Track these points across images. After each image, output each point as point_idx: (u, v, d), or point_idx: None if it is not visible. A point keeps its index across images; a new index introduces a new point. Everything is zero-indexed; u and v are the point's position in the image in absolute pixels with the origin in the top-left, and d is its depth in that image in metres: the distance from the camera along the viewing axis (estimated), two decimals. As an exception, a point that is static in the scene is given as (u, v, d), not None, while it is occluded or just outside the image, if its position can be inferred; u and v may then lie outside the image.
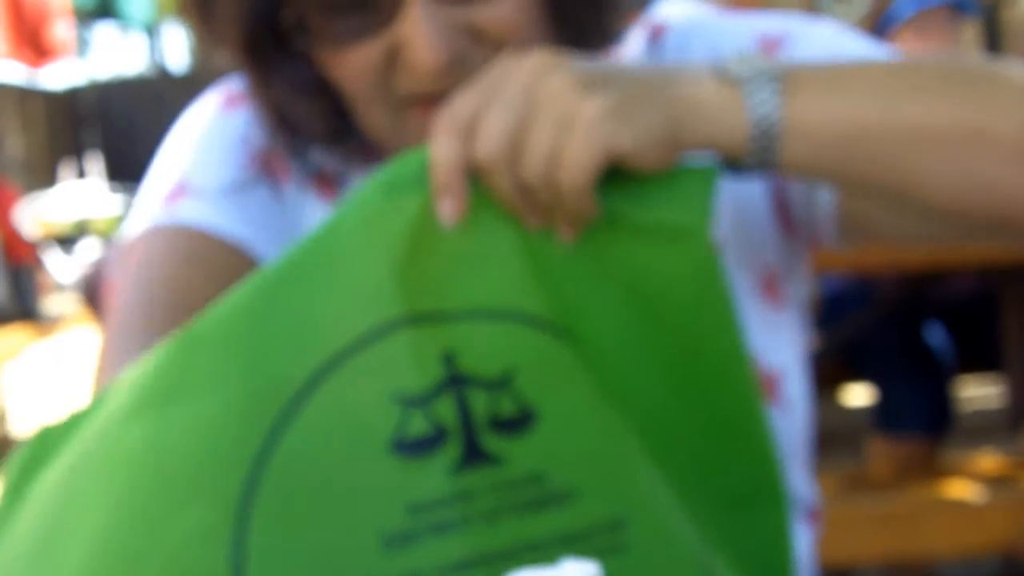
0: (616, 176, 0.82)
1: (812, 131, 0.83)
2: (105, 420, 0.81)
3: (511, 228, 0.83)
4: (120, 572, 0.78)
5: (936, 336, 2.95)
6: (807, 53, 0.98)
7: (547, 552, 0.81)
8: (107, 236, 8.06)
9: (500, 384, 0.83)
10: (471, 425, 0.82)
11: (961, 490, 2.73)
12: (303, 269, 0.82)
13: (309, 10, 0.92)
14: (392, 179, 0.82)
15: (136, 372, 0.81)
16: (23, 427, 5.00)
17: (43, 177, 10.59)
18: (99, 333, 1.03)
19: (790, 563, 0.90)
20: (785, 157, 0.83)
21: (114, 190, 9.47)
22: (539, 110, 0.80)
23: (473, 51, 0.91)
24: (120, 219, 8.21)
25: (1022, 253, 2.43)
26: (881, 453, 2.95)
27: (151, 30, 12.97)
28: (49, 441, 0.83)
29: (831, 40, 1.00)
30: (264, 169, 1.04)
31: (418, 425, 0.81)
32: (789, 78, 0.83)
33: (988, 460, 2.98)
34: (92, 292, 4.21)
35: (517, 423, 0.83)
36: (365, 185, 0.83)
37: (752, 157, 0.83)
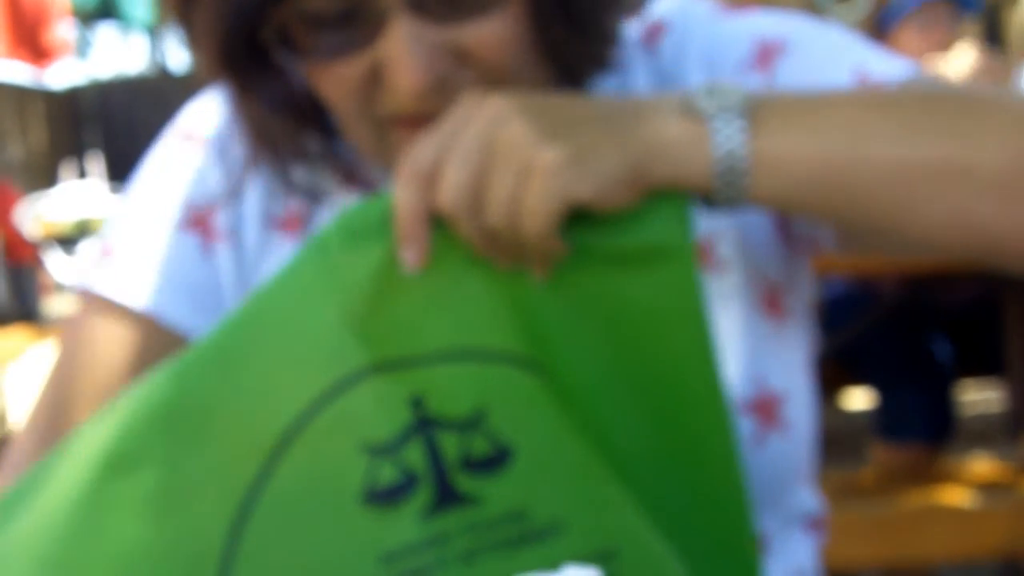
0: (585, 210, 0.82)
1: (781, 169, 0.82)
2: (64, 485, 0.81)
3: (480, 267, 0.83)
4: None
5: (937, 341, 2.95)
6: (804, 63, 0.97)
7: None
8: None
9: (471, 424, 0.82)
10: (442, 467, 0.81)
11: (961, 496, 2.73)
12: (261, 324, 0.81)
13: (292, 23, 0.90)
14: (354, 226, 0.82)
15: (87, 447, 0.81)
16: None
17: (44, 177, 10.60)
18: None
19: None
20: (754, 194, 0.82)
21: (115, 190, 9.48)
22: (497, 159, 0.79)
23: (457, 72, 0.90)
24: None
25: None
26: (881, 458, 2.95)
27: (152, 30, 12.99)
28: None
29: (832, 48, 0.98)
30: (196, 228, 1.03)
31: (388, 473, 0.81)
32: (758, 114, 0.82)
33: (988, 465, 2.98)
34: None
35: (492, 462, 0.82)
36: (325, 231, 0.82)
37: (720, 194, 0.82)
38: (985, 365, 3.06)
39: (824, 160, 0.82)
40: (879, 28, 3.11)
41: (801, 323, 1.03)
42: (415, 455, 0.81)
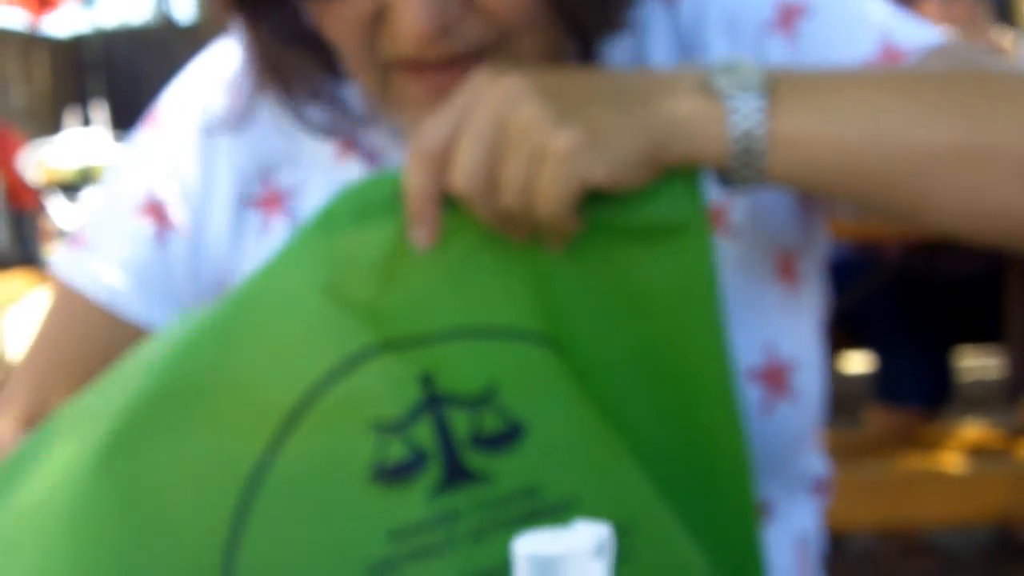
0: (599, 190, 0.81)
1: (799, 150, 0.81)
2: (64, 464, 0.80)
3: (491, 244, 0.82)
4: None
5: (938, 307, 2.95)
6: (828, 27, 0.95)
7: None
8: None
9: (482, 401, 0.81)
10: (451, 445, 0.81)
11: (956, 461, 2.74)
12: (265, 301, 0.81)
13: None
14: (361, 203, 0.81)
15: (97, 418, 0.81)
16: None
17: (47, 124, 10.58)
18: None
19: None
20: (771, 174, 0.81)
21: (118, 138, 9.46)
22: (511, 142, 0.79)
23: (464, 20, 0.87)
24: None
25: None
26: (878, 421, 2.96)
27: (158, -21, 12.92)
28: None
29: (857, 13, 0.95)
30: (151, 216, 1.03)
31: (396, 451, 0.80)
32: (777, 93, 0.81)
33: (984, 432, 2.99)
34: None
35: (504, 438, 0.81)
36: (331, 207, 0.81)
37: (736, 173, 0.81)
38: (984, 332, 3.06)
39: (843, 142, 0.81)
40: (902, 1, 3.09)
41: (814, 288, 1.03)
42: (424, 433, 0.81)
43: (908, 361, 2.94)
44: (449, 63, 0.87)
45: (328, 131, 1.00)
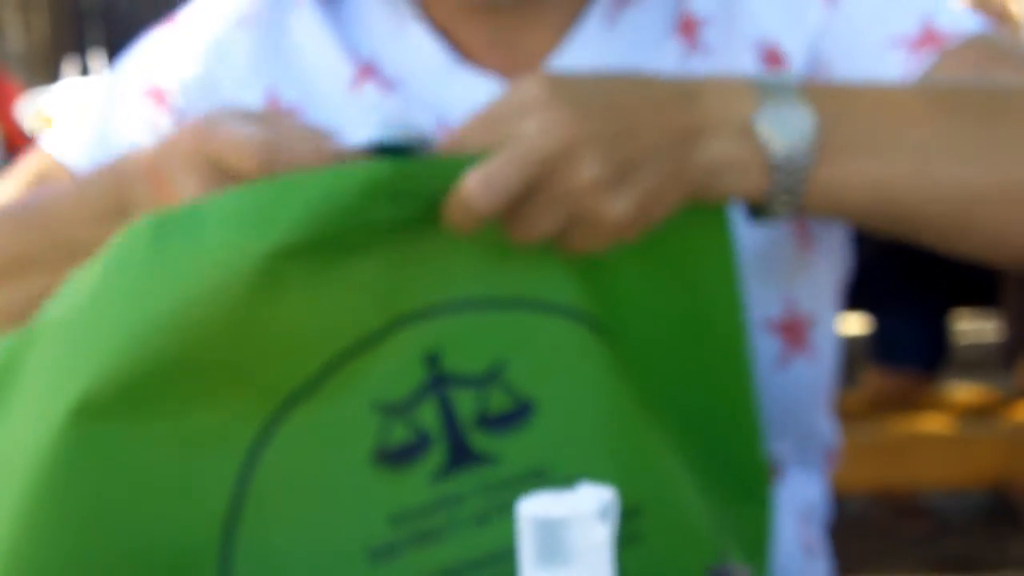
0: None
1: (840, 191, 0.81)
2: (34, 417, 0.77)
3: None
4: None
5: (935, 270, 2.95)
6: (859, 9, 0.95)
7: None
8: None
9: (489, 378, 0.80)
10: (456, 427, 0.79)
11: (951, 423, 2.75)
12: (297, 276, 0.77)
13: None
14: (383, 183, 0.76)
15: (74, 366, 0.76)
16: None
17: (45, 72, 10.53)
18: None
19: (768, 551, 0.89)
20: (807, 208, 0.82)
21: (116, 88, 9.40)
22: (571, 209, 0.77)
23: None
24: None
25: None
26: (875, 383, 2.96)
27: (158, -72, 12.85)
28: None
29: None
30: (151, 98, 1.03)
31: (400, 434, 0.79)
32: (823, 134, 0.80)
33: (980, 394, 2.99)
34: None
35: (511, 417, 0.80)
36: (361, 185, 0.76)
37: (769, 208, 0.81)
38: (981, 295, 3.06)
39: (888, 184, 0.81)
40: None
41: (832, 249, 1.03)
42: (428, 415, 0.79)
43: (905, 323, 2.94)
44: None
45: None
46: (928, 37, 0.93)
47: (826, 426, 1.05)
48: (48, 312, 0.78)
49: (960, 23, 0.94)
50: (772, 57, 0.96)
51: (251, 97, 1.00)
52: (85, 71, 10.81)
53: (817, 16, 0.95)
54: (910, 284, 2.94)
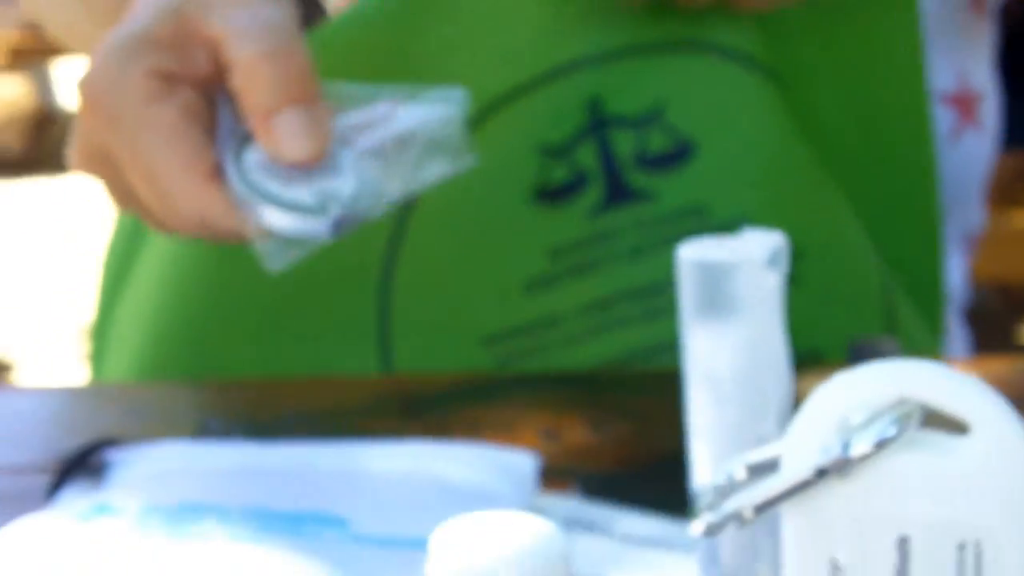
0: None
1: None
2: None
3: None
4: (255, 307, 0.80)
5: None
6: None
7: None
8: None
9: (649, 119, 0.80)
10: (614, 165, 0.80)
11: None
12: (457, 11, 0.79)
13: None
14: None
15: None
16: None
17: None
18: None
19: (943, 300, 0.90)
20: None
21: None
22: None
23: None
24: None
25: None
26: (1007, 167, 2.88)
27: None
28: None
29: None
30: None
31: (559, 174, 0.81)
32: None
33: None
34: None
35: (671, 157, 0.80)
36: None
37: None
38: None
39: None
40: None
41: (994, 22, 1.01)
42: (587, 155, 0.80)
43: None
44: None
45: None
46: None
47: (979, 210, 1.04)
48: None
49: None
50: None
51: None
52: None
53: None
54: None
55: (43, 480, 0.69)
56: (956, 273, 1.03)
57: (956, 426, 0.41)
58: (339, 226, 0.63)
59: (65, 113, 5.25)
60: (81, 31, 0.88)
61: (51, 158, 5.34)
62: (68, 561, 0.58)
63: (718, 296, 0.50)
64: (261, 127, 0.63)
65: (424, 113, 0.66)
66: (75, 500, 0.64)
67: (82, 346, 3.71)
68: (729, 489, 0.45)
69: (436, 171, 0.66)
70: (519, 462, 0.66)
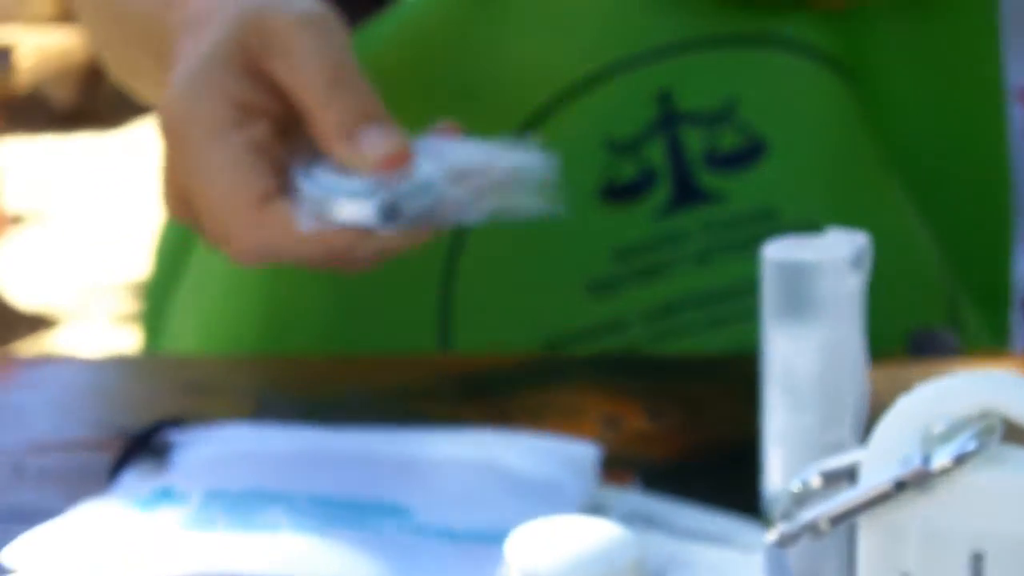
0: None
1: None
2: None
3: None
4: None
5: None
6: None
7: None
8: None
9: (721, 116, 0.79)
10: (684, 164, 0.78)
11: None
12: (517, 13, 0.78)
13: None
14: None
15: None
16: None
17: None
18: None
19: (1010, 299, 0.88)
20: None
21: None
22: None
23: None
24: None
25: None
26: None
27: None
28: None
29: None
30: None
31: (627, 171, 0.79)
32: None
33: None
34: None
35: (741, 156, 0.79)
36: None
37: None
38: None
39: None
40: None
41: None
42: (656, 152, 0.78)
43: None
44: None
45: None
46: None
47: None
48: None
49: None
50: None
51: None
52: None
53: None
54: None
55: (100, 457, 0.69)
56: (1020, 266, 1.01)
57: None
58: (388, 213, 0.63)
59: (118, 67, 5.25)
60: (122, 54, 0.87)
61: (103, 111, 5.37)
62: (130, 551, 0.58)
63: (800, 297, 0.49)
64: (344, 145, 0.65)
65: (514, 155, 0.65)
66: (137, 483, 0.64)
67: (131, 302, 3.73)
68: (804, 497, 0.45)
69: (509, 203, 0.65)
70: (581, 454, 0.65)
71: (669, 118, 0.78)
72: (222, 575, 0.57)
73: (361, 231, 0.64)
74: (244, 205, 0.64)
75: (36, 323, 3.72)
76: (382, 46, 0.75)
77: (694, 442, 0.74)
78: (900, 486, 0.41)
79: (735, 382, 0.74)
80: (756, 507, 0.56)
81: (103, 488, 0.65)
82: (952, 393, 0.41)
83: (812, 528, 0.43)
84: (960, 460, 0.40)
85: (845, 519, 0.42)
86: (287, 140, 0.67)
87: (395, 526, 0.59)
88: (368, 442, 0.66)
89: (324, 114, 0.65)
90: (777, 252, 0.49)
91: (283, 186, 0.65)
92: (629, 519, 0.62)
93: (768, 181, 0.79)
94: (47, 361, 0.88)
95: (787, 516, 0.44)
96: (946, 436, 0.41)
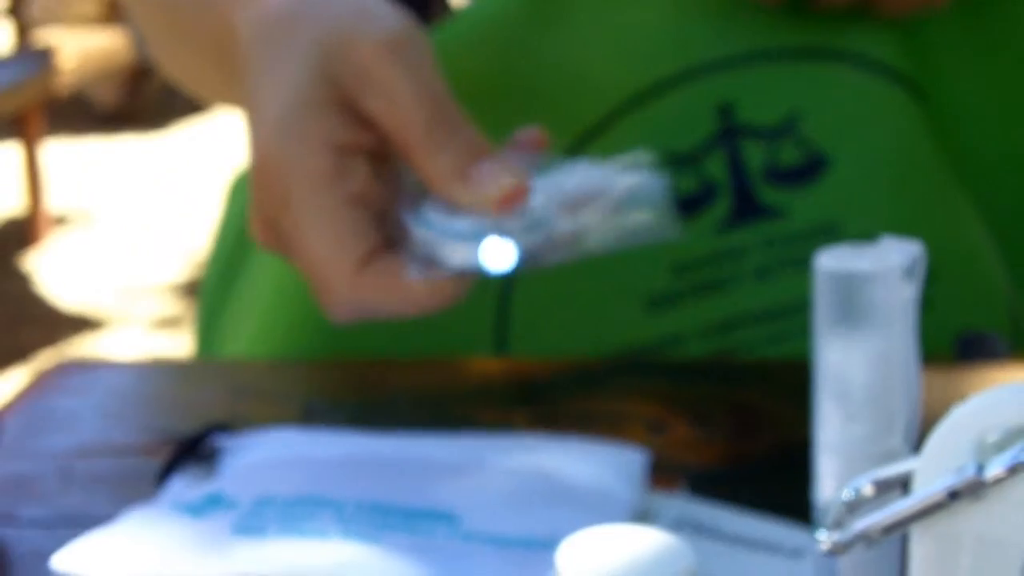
0: None
1: None
2: None
3: None
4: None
5: None
6: None
7: None
8: None
9: (782, 131, 0.78)
10: (744, 178, 0.77)
11: None
12: (576, 23, 0.77)
13: None
14: None
15: None
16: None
17: None
18: None
19: None
20: None
21: None
22: None
23: None
24: None
25: None
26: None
27: None
28: None
29: None
30: None
31: (686, 184, 0.78)
32: None
33: None
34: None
35: (803, 171, 0.78)
36: None
37: None
38: None
39: None
40: None
41: None
42: (716, 165, 0.77)
43: None
44: None
45: None
46: None
47: None
48: None
49: None
50: None
51: None
52: None
53: None
54: None
55: (147, 461, 0.69)
56: None
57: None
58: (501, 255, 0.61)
59: (161, 69, 5.28)
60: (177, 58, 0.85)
61: (146, 113, 5.40)
62: (181, 558, 0.58)
63: (854, 306, 0.48)
64: (460, 187, 0.62)
65: (625, 177, 0.63)
66: (186, 489, 0.64)
67: (174, 304, 3.75)
68: (856, 505, 0.45)
69: (626, 229, 0.62)
70: (630, 460, 0.65)
71: (730, 131, 0.77)
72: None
73: (470, 276, 0.62)
74: (347, 268, 0.62)
75: (79, 325, 3.74)
76: (443, 55, 0.74)
77: (742, 448, 0.74)
78: (953, 495, 0.41)
79: (783, 388, 0.74)
80: (804, 513, 0.56)
81: (151, 493, 0.65)
82: (1006, 403, 0.41)
83: (864, 537, 0.43)
84: (1014, 470, 0.40)
85: (898, 528, 0.42)
86: (382, 173, 0.64)
87: (444, 532, 0.59)
88: (417, 448, 0.66)
89: (436, 157, 0.62)
90: (831, 261, 0.49)
91: (386, 239, 0.63)
92: (677, 525, 0.62)
93: (829, 197, 0.78)
94: (96, 365, 0.88)
95: (839, 525, 0.44)
96: (1000, 445, 0.41)
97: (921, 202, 0.79)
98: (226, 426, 0.68)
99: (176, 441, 0.67)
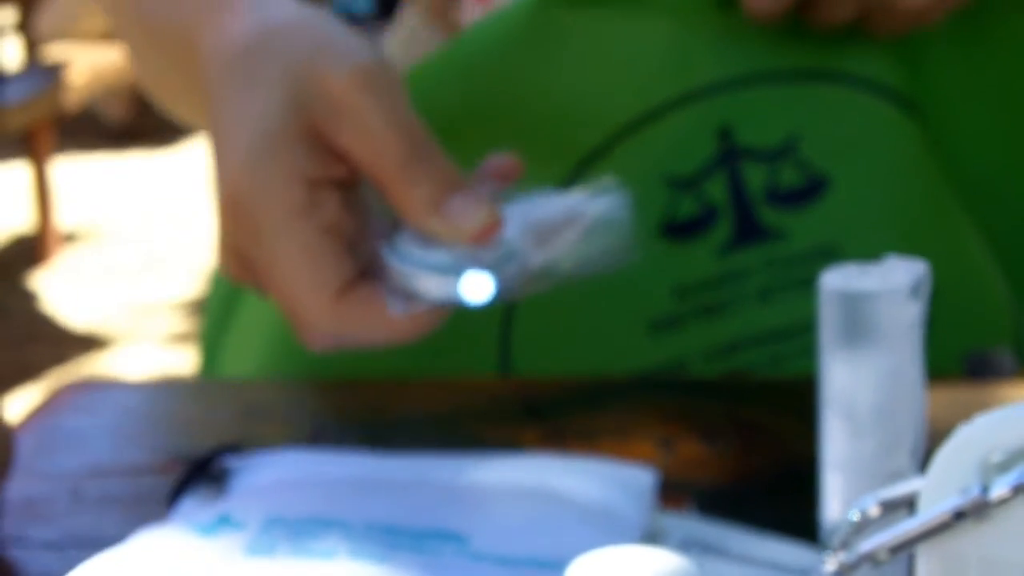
0: None
1: None
2: None
3: None
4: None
5: None
6: None
7: None
8: None
9: (782, 153, 0.78)
10: (745, 200, 0.77)
11: None
12: (589, 34, 0.77)
13: None
14: None
15: None
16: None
17: None
18: None
19: None
20: None
21: None
22: None
23: None
24: None
25: None
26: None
27: None
28: None
29: None
30: None
31: (687, 207, 0.78)
32: None
33: None
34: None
35: (803, 193, 0.78)
36: None
37: None
38: None
39: None
40: None
41: None
42: (717, 188, 0.77)
43: None
44: None
45: None
46: None
47: None
48: None
49: None
50: None
51: None
52: None
53: None
54: None
55: (158, 481, 0.69)
56: None
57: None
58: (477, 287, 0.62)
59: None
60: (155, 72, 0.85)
61: (155, 129, 5.40)
62: None
63: (860, 325, 0.49)
64: (435, 220, 0.62)
65: (592, 203, 0.63)
66: (196, 510, 0.64)
67: (183, 321, 3.75)
68: (862, 526, 0.45)
69: (593, 253, 0.62)
70: (638, 479, 0.65)
71: (730, 154, 0.77)
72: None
73: (448, 307, 0.62)
74: (326, 299, 0.62)
75: (89, 342, 3.74)
76: (439, 82, 0.74)
77: (749, 466, 0.74)
78: (959, 516, 0.41)
79: (791, 406, 0.74)
80: (811, 531, 0.56)
81: (161, 513, 0.65)
82: (1011, 423, 0.41)
83: (871, 558, 0.43)
84: (1019, 490, 0.40)
85: (904, 549, 0.42)
86: (350, 201, 0.64)
87: (453, 552, 0.59)
88: (425, 468, 0.66)
89: (410, 190, 0.62)
90: (836, 280, 0.49)
91: (360, 268, 0.63)
92: (685, 545, 0.62)
93: (830, 218, 0.78)
94: (106, 385, 0.88)
95: (846, 545, 0.44)
96: (1005, 465, 0.41)
97: (922, 222, 0.79)
98: (236, 447, 0.69)
99: (187, 462, 0.67)
